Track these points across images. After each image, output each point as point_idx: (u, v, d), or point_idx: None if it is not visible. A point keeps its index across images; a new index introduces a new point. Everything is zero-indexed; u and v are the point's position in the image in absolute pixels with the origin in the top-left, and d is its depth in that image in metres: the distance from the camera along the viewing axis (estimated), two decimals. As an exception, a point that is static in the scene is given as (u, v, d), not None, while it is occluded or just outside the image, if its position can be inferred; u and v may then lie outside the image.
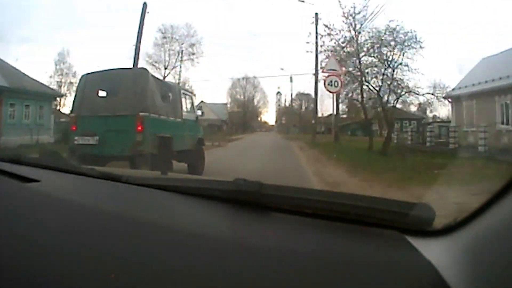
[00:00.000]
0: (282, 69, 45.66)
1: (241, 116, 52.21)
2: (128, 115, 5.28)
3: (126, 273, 0.57)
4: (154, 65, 31.32)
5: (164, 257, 0.61)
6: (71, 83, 32.60)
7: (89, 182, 1.14)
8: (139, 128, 5.22)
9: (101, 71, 6.09)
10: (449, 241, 0.63)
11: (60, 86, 33.21)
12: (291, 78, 43.63)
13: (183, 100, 6.87)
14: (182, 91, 7.09)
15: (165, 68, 32.37)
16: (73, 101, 6.05)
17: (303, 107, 50.50)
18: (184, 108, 6.85)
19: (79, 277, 0.56)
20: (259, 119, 65.63)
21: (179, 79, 32.09)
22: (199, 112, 7.84)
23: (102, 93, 5.75)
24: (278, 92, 59.79)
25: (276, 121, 64.95)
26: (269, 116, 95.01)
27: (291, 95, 48.06)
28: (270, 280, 0.56)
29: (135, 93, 5.41)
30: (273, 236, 0.73)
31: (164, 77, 31.12)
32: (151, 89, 5.61)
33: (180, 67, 32.50)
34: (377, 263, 0.60)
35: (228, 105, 51.79)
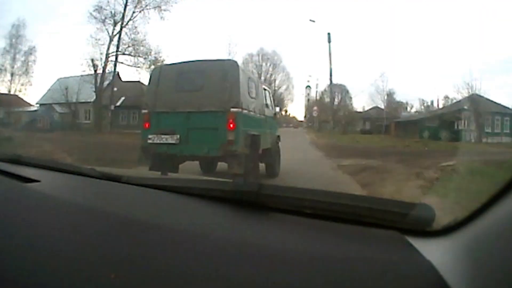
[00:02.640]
0: (312, 20, 28.83)
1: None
2: (217, 111, 4.59)
3: (126, 273, 0.57)
4: (104, 23, 22.02)
5: (164, 257, 0.61)
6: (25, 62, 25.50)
7: (89, 182, 1.14)
8: (231, 125, 4.52)
9: (179, 62, 5.25)
10: (449, 241, 0.63)
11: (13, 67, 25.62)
12: (328, 36, 24.17)
13: (264, 94, 6.22)
14: (263, 86, 6.39)
15: (115, 24, 21.94)
16: (146, 96, 5.43)
17: (336, 101, 38.44)
18: (265, 103, 6.20)
19: (79, 277, 0.56)
20: (286, 113, 51.15)
21: (118, 40, 21.40)
22: (277, 109, 7.30)
23: (182, 87, 4.91)
24: (307, 86, 47.56)
25: (305, 116, 52.37)
26: (296, 109, 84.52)
27: (330, 64, 25.51)
28: (270, 280, 0.56)
29: (225, 87, 4.64)
30: (273, 236, 0.73)
31: (111, 37, 22.23)
32: (242, 83, 4.85)
33: (132, 16, 21.34)
34: (377, 263, 0.60)
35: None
